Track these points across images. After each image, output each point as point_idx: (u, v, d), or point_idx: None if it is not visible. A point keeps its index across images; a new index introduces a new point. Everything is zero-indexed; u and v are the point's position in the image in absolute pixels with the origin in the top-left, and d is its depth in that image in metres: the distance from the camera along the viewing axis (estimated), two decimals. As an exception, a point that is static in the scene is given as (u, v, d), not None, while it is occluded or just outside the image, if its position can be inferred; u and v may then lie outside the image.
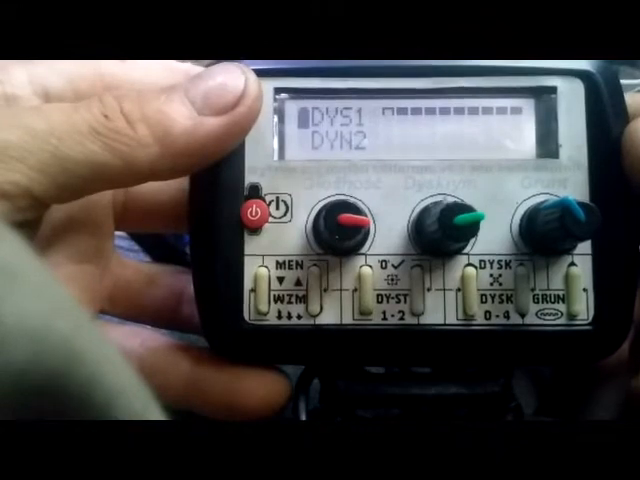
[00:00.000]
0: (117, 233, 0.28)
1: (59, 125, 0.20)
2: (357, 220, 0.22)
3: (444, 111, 0.25)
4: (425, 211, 0.24)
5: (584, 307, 0.24)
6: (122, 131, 0.21)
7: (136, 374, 0.16)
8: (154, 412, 0.16)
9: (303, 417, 0.25)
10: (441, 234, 0.22)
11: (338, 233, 0.22)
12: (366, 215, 0.23)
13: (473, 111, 0.25)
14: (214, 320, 0.24)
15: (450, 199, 0.24)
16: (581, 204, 0.21)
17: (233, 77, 0.22)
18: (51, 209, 0.25)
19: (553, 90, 0.25)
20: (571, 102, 0.25)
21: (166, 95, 0.22)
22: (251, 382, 0.25)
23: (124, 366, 0.15)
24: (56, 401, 0.14)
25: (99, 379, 0.14)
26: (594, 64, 0.25)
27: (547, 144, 0.25)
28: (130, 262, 0.29)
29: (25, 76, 0.23)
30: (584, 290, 0.24)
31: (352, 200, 0.23)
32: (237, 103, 0.22)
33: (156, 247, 0.32)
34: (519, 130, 0.25)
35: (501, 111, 0.25)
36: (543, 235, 0.23)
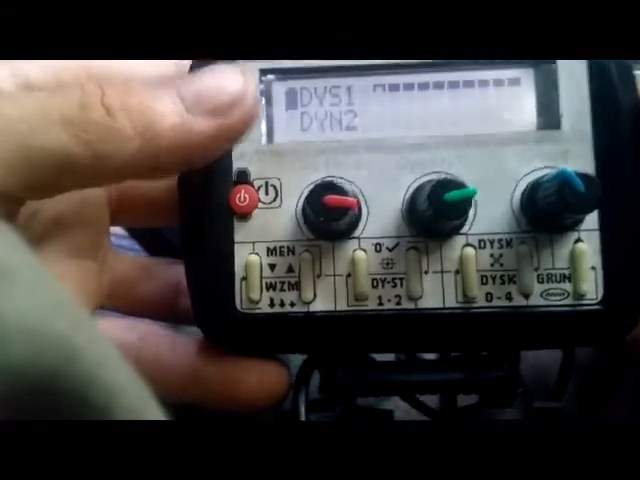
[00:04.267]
0: (117, 232, 0.28)
1: (30, 112, 0.19)
2: (343, 201, 0.21)
3: (438, 85, 0.24)
4: (419, 191, 0.23)
5: (592, 286, 0.23)
6: (100, 121, 0.19)
7: (135, 372, 0.15)
8: (153, 410, 0.16)
9: (302, 410, 0.24)
10: (432, 213, 0.21)
11: (323, 215, 0.21)
12: (356, 196, 0.23)
13: (468, 84, 0.24)
14: (206, 309, 0.24)
15: (443, 177, 0.23)
16: (580, 175, 0.20)
17: (231, 78, 0.21)
18: (45, 205, 0.25)
19: None
20: (573, 70, 0.23)
21: (155, 87, 0.20)
22: (250, 373, 0.24)
23: (123, 364, 0.15)
24: (54, 399, 0.14)
25: (97, 377, 0.14)
26: (597, 28, 0.23)
27: (548, 115, 0.23)
28: (126, 257, 0.29)
29: (6, 69, 0.23)
30: (592, 268, 0.23)
31: (339, 181, 0.22)
32: (232, 106, 0.20)
33: (153, 241, 0.32)
34: (518, 102, 0.24)
35: (498, 83, 0.24)
36: (544, 211, 0.22)
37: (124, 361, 0.15)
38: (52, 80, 0.23)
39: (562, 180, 0.20)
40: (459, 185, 0.20)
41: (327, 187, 0.21)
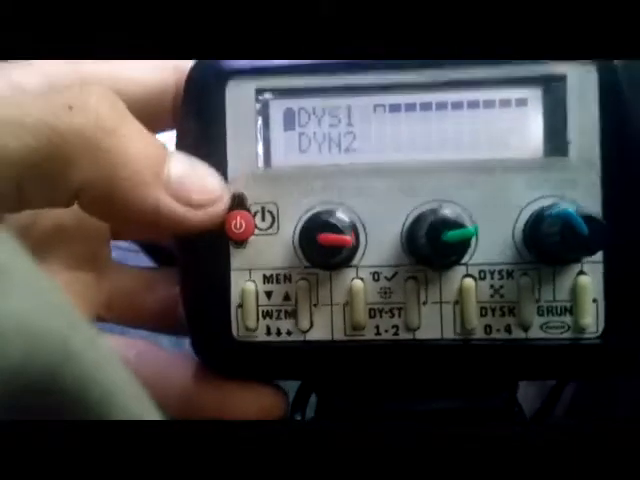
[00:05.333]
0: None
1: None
2: (337, 240, 0.20)
3: (441, 106, 0.23)
4: (418, 220, 0.22)
5: (593, 319, 0.22)
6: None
7: (132, 374, 0.16)
8: (151, 411, 0.16)
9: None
10: (430, 251, 0.20)
11: (318, 254, 0.21)
12: (354, 224, 0.22)
13: (473, 105, 0.23)
14: (203, 336, 0.24)
15: (445, 205, 0.22)
16: (585, 217, 0.19)
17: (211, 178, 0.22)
18: (44, 215, 0.25)
19: (562, 78, 0.22)
20: (583, 92, 0.22)
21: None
22: (246, 398, 0.24)
23: (119, 365, 0.15)
24: (51, 400, 0.14)
25: (94, 377, 0.14)
26: (611, 47, 0.22)
27: (555, 140, 0.22)
28: (127, 268, 0.28)
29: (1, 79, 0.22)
30: (594, 301, 0.22)
31: (334, 214, 0.22)
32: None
33: (154, 250, 0.32)
34: (524, 125, 0.23)
35: (504, 104, 0.23)
36: (547, 244, 0.21)
37: (121, 363, 0.15)
38: (46, 84, 0.23)
39: (564, 222, 0.20)
40: (458, 225, 0.20)
41: (321, 225, 0.21)
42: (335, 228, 0.21)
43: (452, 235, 0.20)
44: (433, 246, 0.20)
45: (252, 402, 0.24)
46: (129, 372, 0.15)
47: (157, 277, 0.28)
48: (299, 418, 0.25)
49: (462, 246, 0.20)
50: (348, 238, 0.21)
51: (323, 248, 0.21)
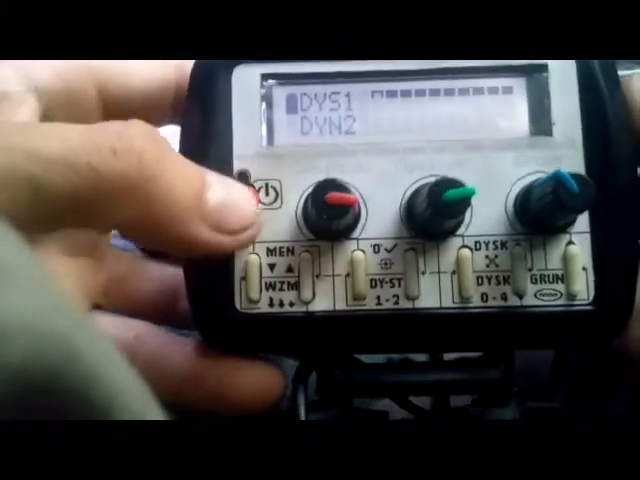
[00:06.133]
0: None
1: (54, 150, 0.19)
2: (345, 198, 0.21)
3: (434, 92, 0.25)
4: (417, 193, 0.23)
5: (584, 287, 0.23)
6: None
7: (135, 373, 0.15)
8: (154, 411, 0.16)
9: (302, 410, 0.25)
10: (431, 212, 0.21)
11: (326, 213, 0.21)
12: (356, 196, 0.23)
13: (464, 92, 0.25)
14: (206, 310, 0.24)
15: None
16: (574, 176, 0.21)
17: (246, 203, 0.23)
18: None
19: (544, 68, 0.24)
20: (563, 79, 0.24)
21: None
22: (245, 375, 0.24)
23: (123, 365, 0.15)
24: (54, 400, 0.14)
25: (97, 377, 0.14)
26: (585, 40, 0.24)
27: (540, 122, 0.24)
28: (126, 257, 0.28)
29: (14, 73, 0.23)
30: (583, 269, 0.23)
31: (341, 180, 0.23)
32: (247, 228, 0.23)
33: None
34: (511, 109, 0.25)
35: (492, 91, 0.25)
36: (538, 212, 0.23)
37: (124, 361, 0.15)
38: (59, 83, 0.23)
39: (556, 181, 0.21)
40: (458, 184, 0.21)
41: (329, 185, 0.22)
42: (343, 188, 0.21)
43: (452, 193, 0.21)
44: (434, 206, 0.21)
45: (251, 380, 0.24)
46: (133, 371, 0.15)
47: (155, 268, 0.28)
48: (302, 395, 0.24)
49: (461, 206, 0.21)
50: (354, 197, 0.21)
51: (330, 208, 0.21)
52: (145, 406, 0.15)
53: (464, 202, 0.21)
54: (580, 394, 0.30)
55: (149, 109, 0.26)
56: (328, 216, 0.21)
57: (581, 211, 0.22)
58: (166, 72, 0.26)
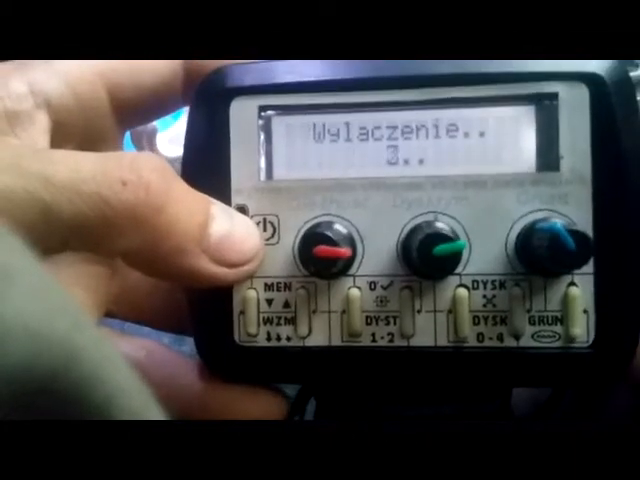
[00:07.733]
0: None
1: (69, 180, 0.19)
2: (333, 252, 0.21)
3: (436, 125, 0.24)
4: (414, 231, 0.23)
5: (584, 329, 0.23)
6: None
7: (136, 374, 0.16)
8: (154, 411, 0.16)
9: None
10: (421, 264, 0.21)
11: (314, 265, 0.21)
12: (351, 236, 0.23)
13: (467, 123, 0.24)
14: (207, 341, 0.25)
15: (440, 218, 0.23)
16: (571, 232, 0.20)
17: (250, 236, 0.23)
18: None
19: (554, 97, 0.23)
20: (574, 108, 0.23)
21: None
22: (248, 400, 0.25)
23: (123, 366, 0.15)
24: (55, 400, 0.14)
25: (98, 378, 0.14)
26: (601, 65, 0.23)
27: (547, 156, 0.23)
28: None
29: (25, 87, 0.23)
30: (584, 312, 0.23)
31: (332, 225, 0.23)
32: (250, 260, 0.23)
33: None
34: (517, 142, 0.23)
35: (497, 121, 0.24)
36: (538, 256, 0.22)
37: (125, 363, 0.16)
38: (70, 94, 0.24)
39: (552, 236, 0.20)
40: (448, 238, 0.21)
41: (318, 238, 0.21)
42: (330, 241, 0.21)
43: (441, 249, 0.20)
44: (424, 260, 0.21)
45: (254, 404, 0.25)
46: (133, 372, 0.16)
47: None
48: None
49: (452, 259, 0.21)
50: (343, 250, 0.21)
51: (320, 260, 0.21)
52: (145, 406, 0.16)
53: (455, 256, 0.21)
54: (579, 397, 0.30)
55: (160, 101, 0.26)
56: (317, 268, 0.22)
57: (577, 268, 0.21)
58: (177, 74, 0.26)
